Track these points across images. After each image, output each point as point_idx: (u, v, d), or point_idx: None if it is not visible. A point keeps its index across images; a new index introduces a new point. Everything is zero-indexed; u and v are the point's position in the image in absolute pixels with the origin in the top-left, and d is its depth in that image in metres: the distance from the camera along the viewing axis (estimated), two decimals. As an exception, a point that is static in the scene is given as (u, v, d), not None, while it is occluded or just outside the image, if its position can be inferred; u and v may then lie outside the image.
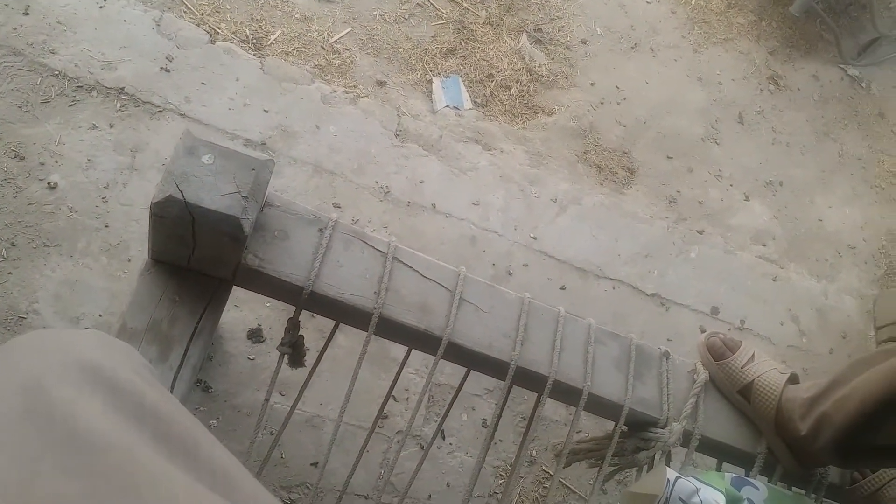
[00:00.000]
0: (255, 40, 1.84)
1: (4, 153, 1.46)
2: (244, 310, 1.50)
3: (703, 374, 1.16)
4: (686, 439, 1.14)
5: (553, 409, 1.66)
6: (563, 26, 2.29)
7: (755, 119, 2.41)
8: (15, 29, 1.58)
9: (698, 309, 1.96)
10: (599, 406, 1.12)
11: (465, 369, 1.16)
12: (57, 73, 1.58)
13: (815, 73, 2.63)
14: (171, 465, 0.45)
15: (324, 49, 1.91)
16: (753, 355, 1.17)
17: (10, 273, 1.37)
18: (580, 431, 1.59)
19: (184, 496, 0.43)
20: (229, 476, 0.49)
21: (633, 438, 1.14)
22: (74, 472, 0.41)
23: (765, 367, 1.15)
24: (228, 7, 1.86)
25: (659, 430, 1.11)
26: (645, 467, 1.16)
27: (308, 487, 1.42)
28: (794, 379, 1.16)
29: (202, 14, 1.81)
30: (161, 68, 1.68)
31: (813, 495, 1.18)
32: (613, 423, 1.17)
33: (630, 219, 2.02)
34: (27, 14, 1.61)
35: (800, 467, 1.15)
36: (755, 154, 2.34)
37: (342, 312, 1.03)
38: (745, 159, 2.31)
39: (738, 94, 2.43)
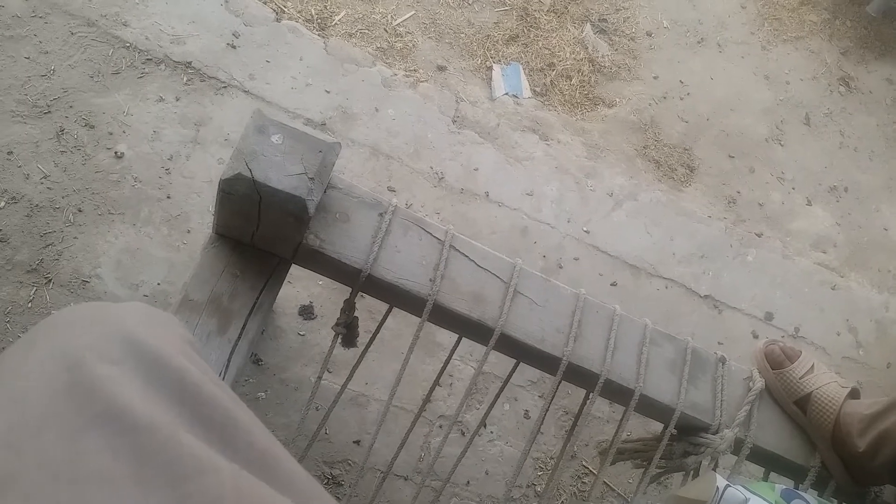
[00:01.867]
0: (319, 20, 1.85)
1: (76, 121, 1.50)
2: (297, 286, 1.53)
3: (759, 382, 1.14)
4: (737, 447, 1.11)
5: (596, 405, 1.64)
6: (628, 17, 2.24)
7: (823, 121, 2.33)
8: (90, 0, 1.63)
9: (752, 314, 1.91)
10: (650, 408, 1.11)
11: (513, 361, 1.16)
12: (128, 45, 1.62)
13: (888, 77, 2.52)
14: (212, 450, 0.44)
15: (387, 32, 1.91)
16: (813, 366, 1.13)
17: (75, 238, 1.42)
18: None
19: (230, 483, 0.42)
20: (266, 461, 0.48)
21: (682, 442, 1.12)
22: (121, 451, 0.41)
23: (824, 379, 1.11)
24: (295, -15, 1.87)
25: (710, 435, 1.09)
26: (692, 472, 1.15)
27: (349, 464, 1.44)
28: (854, 394, 1.12)
29: (269, -8, 1.83)
30: (227, 44, 1.70)
31: (865, 514, 1.15)
32: (661, 425, 1.15)
33: (687, 217, 1.98)
34: (102, -15, 1.65)
35: (854, 484, 1.12)
36: (820, 157, 2.26)
37: (397, 297, 1.04)
38: (809, 162, 2.24)
39: (807, 95, 2.35)
